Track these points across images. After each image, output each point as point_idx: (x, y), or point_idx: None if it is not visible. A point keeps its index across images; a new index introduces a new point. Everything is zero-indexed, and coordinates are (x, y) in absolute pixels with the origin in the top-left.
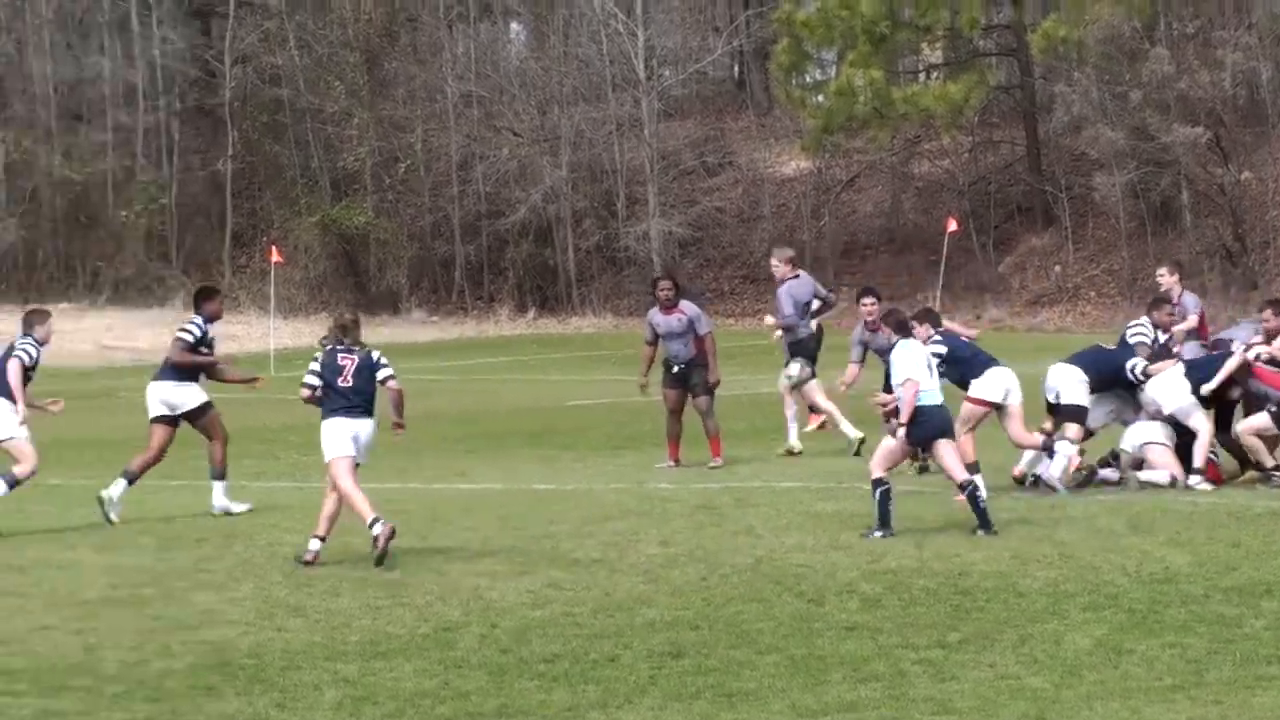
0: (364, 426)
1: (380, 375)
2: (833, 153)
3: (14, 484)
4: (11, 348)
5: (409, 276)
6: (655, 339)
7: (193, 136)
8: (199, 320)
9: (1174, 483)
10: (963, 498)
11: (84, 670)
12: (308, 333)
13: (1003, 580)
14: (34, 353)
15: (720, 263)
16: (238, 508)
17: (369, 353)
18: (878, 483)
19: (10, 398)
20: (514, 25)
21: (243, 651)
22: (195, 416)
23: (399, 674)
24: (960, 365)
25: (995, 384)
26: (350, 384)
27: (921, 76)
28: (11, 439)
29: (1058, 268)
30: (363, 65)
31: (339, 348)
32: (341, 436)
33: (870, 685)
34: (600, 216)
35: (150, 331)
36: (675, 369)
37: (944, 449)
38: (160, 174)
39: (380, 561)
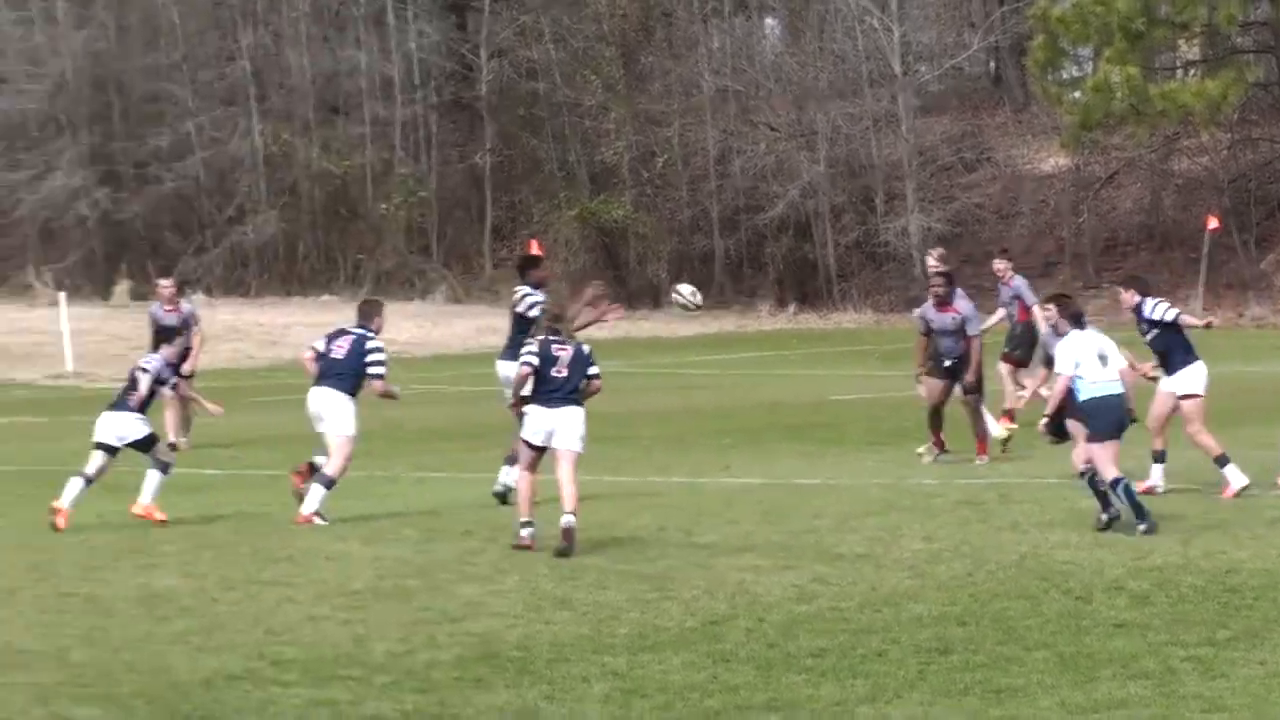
0: (569, 416)
1: (590, 371)
2: (1091, 149)
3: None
4: (361, 342)
5: (669, 270)
6: (929, 331)
7: (450, 130)
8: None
9: None
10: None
11: (353, 661)
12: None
13: (1271, 578)
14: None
15: (980, 259)
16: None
17: (580, 346)
18: (1115, 482)
19: (352, 394)
20: (769, 20)
21: (510, 644)
22: None
23: (667, 667)
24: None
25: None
26: (564, 374)
27: (1179, 73)
28: (343, 434)
29: None
30: (619, 59)
31: (553, 339)
32: (542, 425)
33: (1140, 682)
34: (859, 212)
35: (412, 324)
36: (947, 363)
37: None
38: (418, 167)
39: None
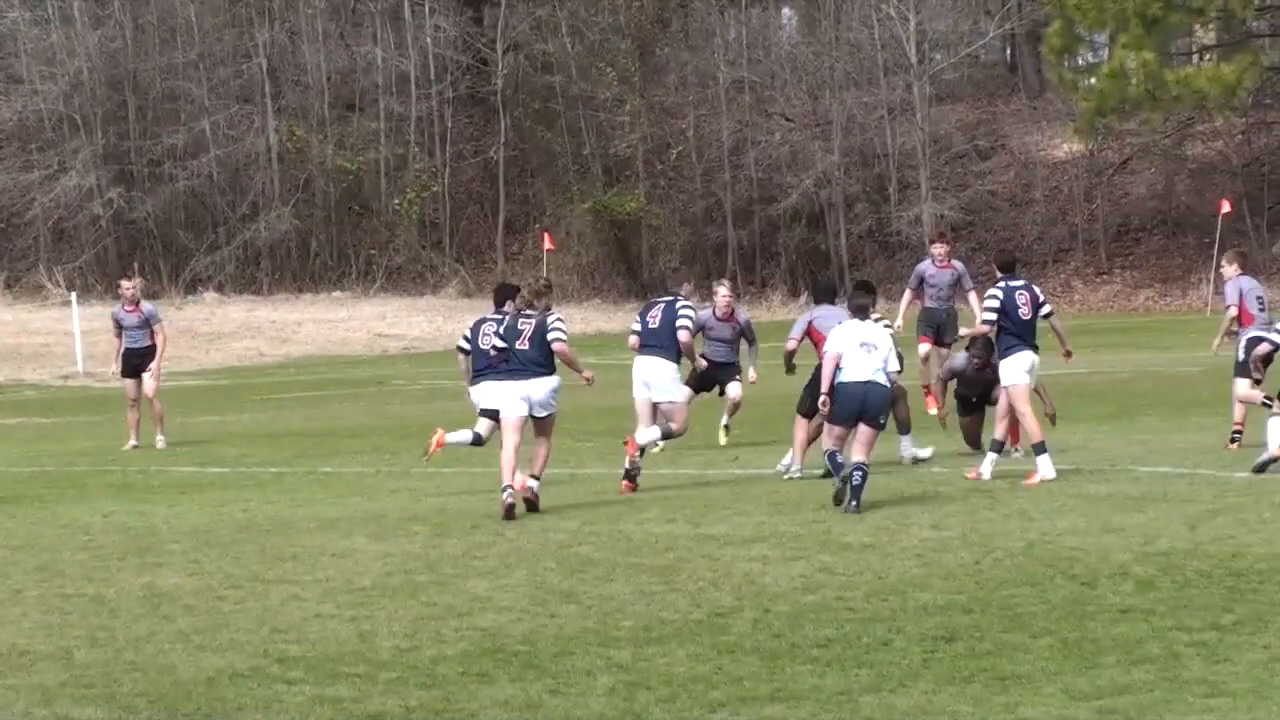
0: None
1: (548, 338)
2: (1105, 135)
3: (668, 435)
4: (674, 311)
5: (682, 262)
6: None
7: (465, 124)
8: None
9: None
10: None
11: (358, 657)
12: (580, 319)
13: (1278, 562)
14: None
15: (993, 246)
16: (923, 453)
17: (544, 317)
18: (830, 454)
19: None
20: (785, 10)
21: (515, 638)
22: None
23: (672, 659)
24: None
25: None
26: (526, 347)
27: (1194, 58)
28: (673, 401)
29: None
30: (634, 51)
31: (524, 313)
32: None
33: (1143, 668)
34: (872, 201)
35: (423, 319)
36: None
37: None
38: (433, 162)
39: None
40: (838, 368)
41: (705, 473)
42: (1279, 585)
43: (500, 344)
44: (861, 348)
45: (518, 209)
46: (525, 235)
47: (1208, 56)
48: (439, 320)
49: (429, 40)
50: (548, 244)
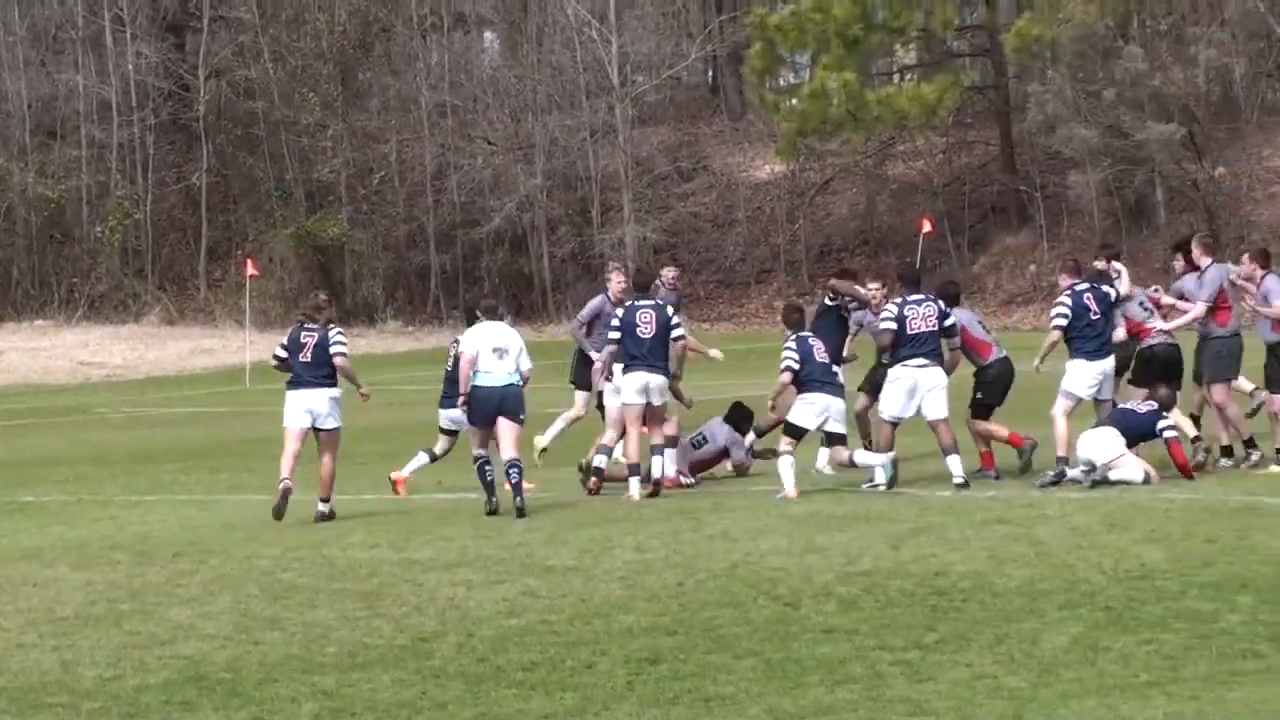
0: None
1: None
2: (807, 156)
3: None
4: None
5: (384, 287)
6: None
7: (167, 151)
8: None
9: (1148, 479)
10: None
11: (61, 687)
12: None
13: (979, 580)
14: None
15: (696, 267)
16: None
17: (325, 330)
18: (476, 458)
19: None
20: (487, 34)
21: (219, 665)
22: None
23: (376, 685)
24: None
25: None
26: (309, 360)
27: (895, 78)
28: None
29: (1032, 267)
30: (337, 76)
31: (306, 326)
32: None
33: (847, 687)
34: (575, 224)
35: (126, 346)
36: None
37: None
38: (135, 189)
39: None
40: (475, 370)
41: (410, 496)
42: (980, 604)
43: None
44: (494, 352)
45: (220, 235)
46: (228, 261)
47: (908, 76)
48: (141, 348)
49: (131, 67)
50: (250, 270)
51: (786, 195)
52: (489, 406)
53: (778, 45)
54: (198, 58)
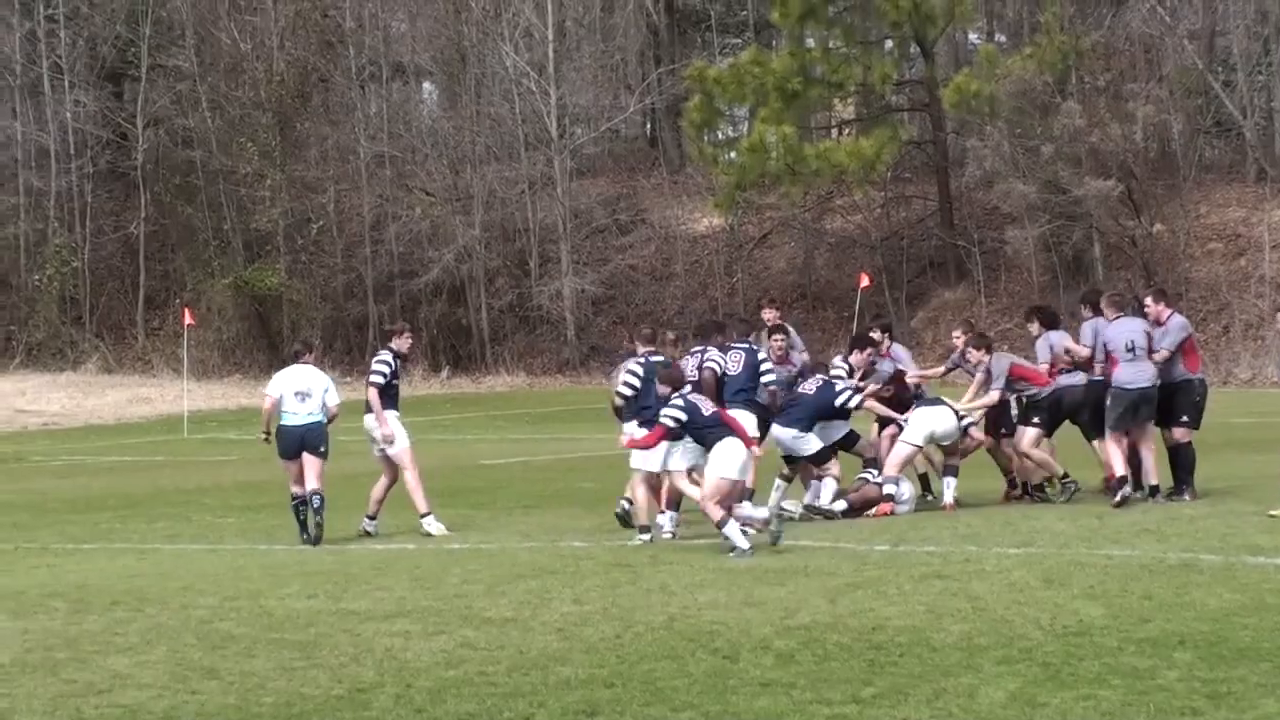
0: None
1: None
2: (745, 209)
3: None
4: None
5: (322, 337)
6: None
7: (105, 199)
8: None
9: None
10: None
11: None
12: (220, 395)
13: (917, 635)
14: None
15: (634, 320)
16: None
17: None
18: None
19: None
20: (426, 85)
21: (156, 715)
22: None
23: None
24: None
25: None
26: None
27: (834, 132)
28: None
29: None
30: (275, 126)
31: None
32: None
33: None
34: (514, 275)
35: (64, 395)
36: None
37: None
38: (73, 237)
39: None
40: (281, 411)
41: (346, 547)
42: (918, 658)
43: None
44: (296, 396)
45: (158, 284)
46: (166, 310)
47: (847, 131)
48: (79, 396)
49: (69, 115)
50: (188, 319)
51: (725, 248)
52: (293, 443)
53: (716, 98)
54: (136, 106)
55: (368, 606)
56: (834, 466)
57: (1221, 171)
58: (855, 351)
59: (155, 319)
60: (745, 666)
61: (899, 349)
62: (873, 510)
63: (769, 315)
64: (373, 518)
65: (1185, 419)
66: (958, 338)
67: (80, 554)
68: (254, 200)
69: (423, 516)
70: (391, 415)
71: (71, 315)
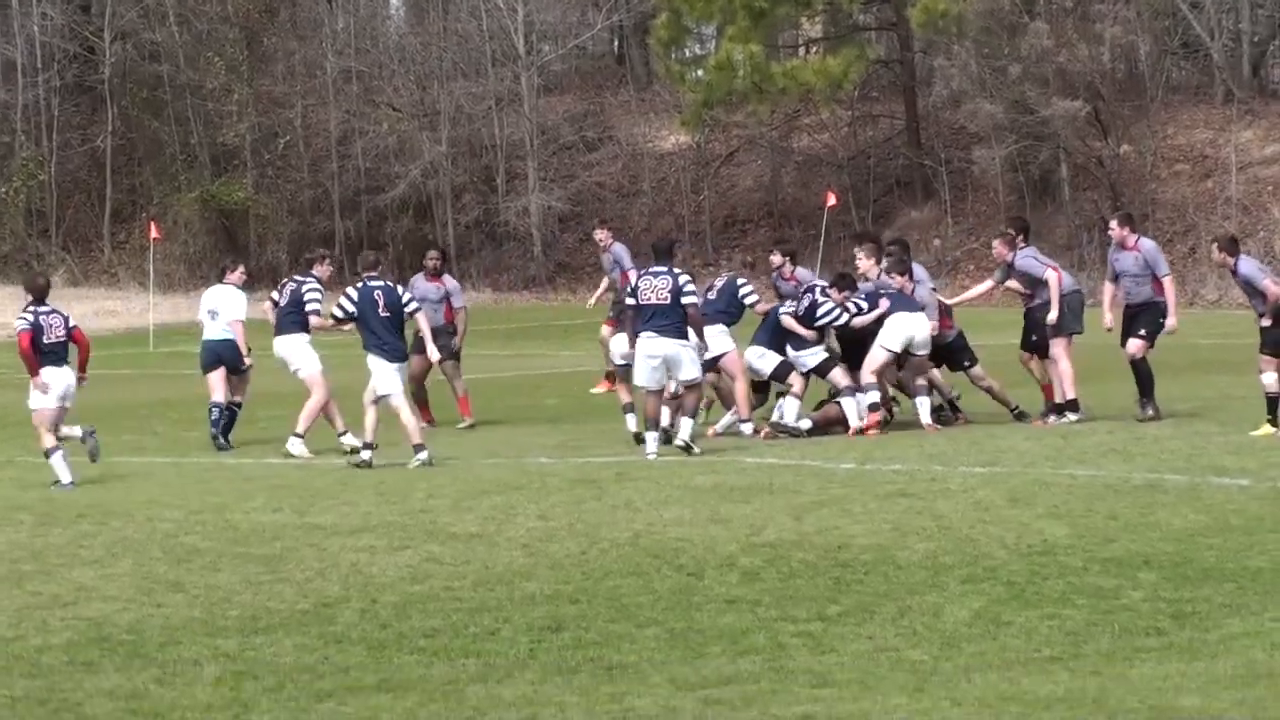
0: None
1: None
2: (712, 127)
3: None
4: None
5: (289, 252)
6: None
7: (72, 113)
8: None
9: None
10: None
11: None
12: (186, 308)
13: (882, 553)
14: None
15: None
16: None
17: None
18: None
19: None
20: (393, 0)
21: (121, 627)
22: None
23: (279, 649)
24: None
25: None
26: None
27: (801, 51)
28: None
29: (937, 241)
30: (242, 41)
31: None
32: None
33: (749, 658)
34: (480, 191)
35: None
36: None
37: None
38: (39, 150)
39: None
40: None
41: (312, 461)
42: (883, 576)
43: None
44: (208, 314)
45: (125, 198)
46: (133, 224)
47: (814, 49)
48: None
49: (36, 28)
50: (154, 233)
51: (691, 166)
52: (209, 357)
53: (684, 16)
54: (103, 20)
55: (333, 521)
56: (797, 384)
57: (1189, 93)
58: (835, 290)
59: (121, 232)
60: (710, 584)
61: (919, 268)
62: (864, 423)
63: (775, 260)
64: (342, 433)
65: (1143, 332)
66: (999, 247)
67: (45, 467)
68: (221, 115)
69: (295, 434)
70: (303, 339)
71: (38, 228)
